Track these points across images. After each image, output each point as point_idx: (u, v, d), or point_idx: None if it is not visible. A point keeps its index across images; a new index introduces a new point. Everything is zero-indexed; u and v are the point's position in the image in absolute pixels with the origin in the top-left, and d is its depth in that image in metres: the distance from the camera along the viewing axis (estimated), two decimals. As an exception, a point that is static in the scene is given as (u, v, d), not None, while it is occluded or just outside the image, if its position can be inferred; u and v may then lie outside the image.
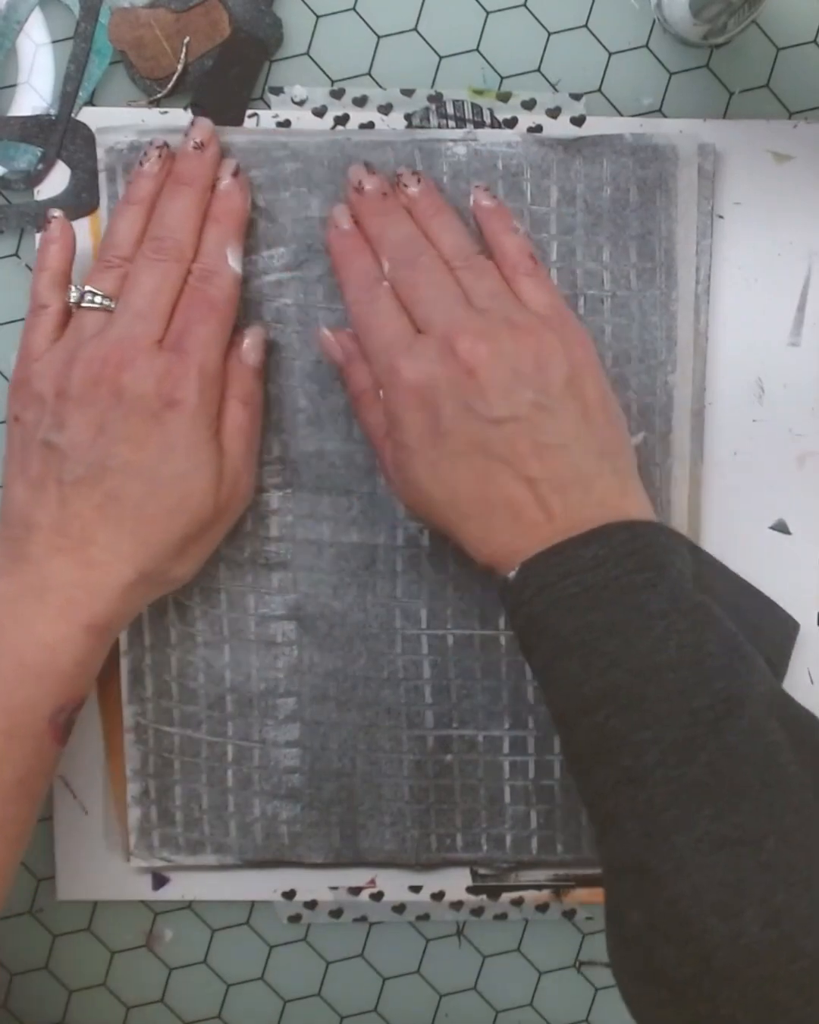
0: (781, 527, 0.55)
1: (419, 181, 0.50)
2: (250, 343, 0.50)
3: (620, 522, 0.44)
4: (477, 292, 0.47)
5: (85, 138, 0.52)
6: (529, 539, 0.44)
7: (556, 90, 0.53)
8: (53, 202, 0.52)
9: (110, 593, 0.46)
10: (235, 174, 0.50)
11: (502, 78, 0.53)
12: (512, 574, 0.44)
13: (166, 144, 0.50)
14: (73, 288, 0.49)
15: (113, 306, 0.48)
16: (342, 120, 0.52)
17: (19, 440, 0.48)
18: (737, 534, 0.54)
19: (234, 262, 0.49)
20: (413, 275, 0.48)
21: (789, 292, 0.54)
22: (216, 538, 0.49)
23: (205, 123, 0.50)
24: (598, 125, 0.53)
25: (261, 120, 0.52)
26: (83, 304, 0.48)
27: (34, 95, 0.53)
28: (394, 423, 0.47)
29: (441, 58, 0.53)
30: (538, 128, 0.53)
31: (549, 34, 0.53)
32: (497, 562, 0.45)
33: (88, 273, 0.50)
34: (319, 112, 0.53)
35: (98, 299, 0.48)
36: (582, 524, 0.43)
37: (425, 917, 0.55)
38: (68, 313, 0.49)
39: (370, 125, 0.52)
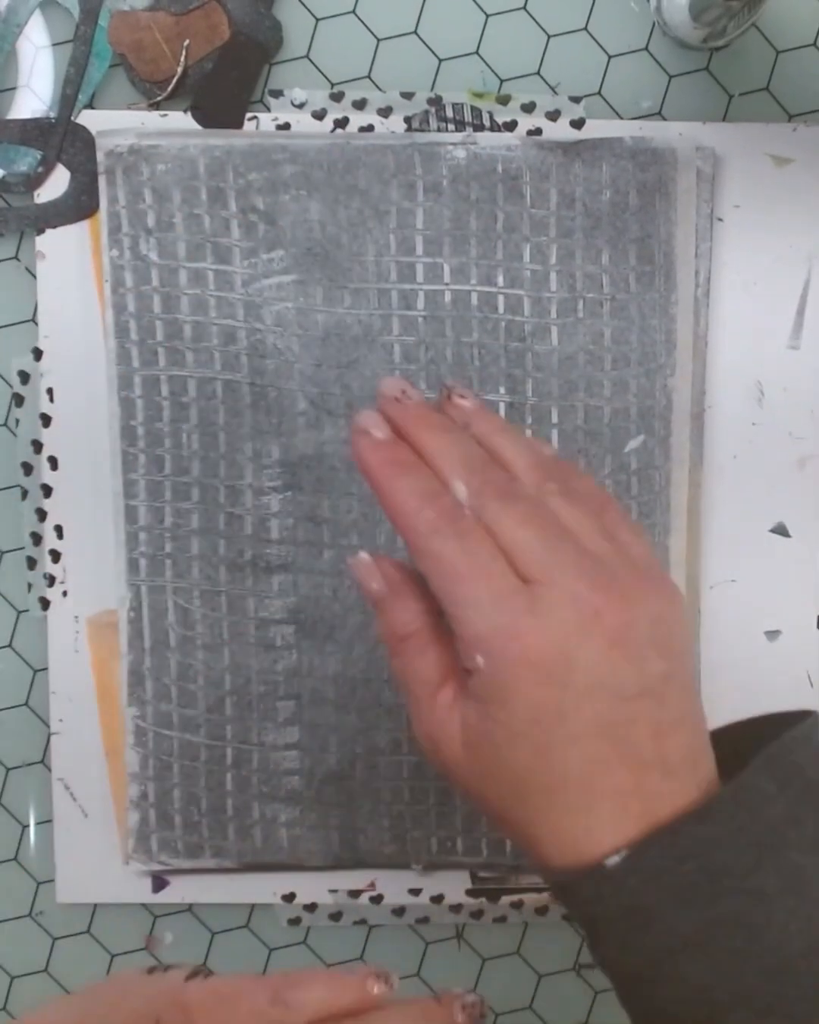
0: (781, 530, 0.55)
1: (465, 397, 0.40)
2: None
3: (730, 790, 0.36)
4: (582, 533, 0.38)
5: (85, 141, 0.52)
6: (620, 830, 0.36)
7: (556, 93, 0.53)
8: (53, 205, 0.52)
9: None
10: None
11: (502, 81, 0.53)
12: (616, 859, 0.36)
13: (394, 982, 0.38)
14: None
15: None
16: (342, 123, 0.52)
17: None
18: (737, 537, 0.54)
19: None
20: (509, 509, 0.37)
21: (789, 295, 0.54)
22: None
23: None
24: (598, 128, 0.53)
25: (261, 123, 0.52)
26: None
27: (34, 98, 0.53)
28: (496, 699, 0.36)
29: (441, 61, 0.53)
30: (538, 131, 0.53)
31: (549, 37, 0.53)
32: (572, 853, 0.37)
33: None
34: (319, 115, 0.53)
35: None
36: (680, 800, 0.37)
37: (425, 920, 0.55)
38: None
39: (370, 128, 0.52)
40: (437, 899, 0.55)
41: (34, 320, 0.53)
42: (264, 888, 0.55)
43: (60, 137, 0.52)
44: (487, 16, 0.53)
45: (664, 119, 0.53)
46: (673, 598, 0.38)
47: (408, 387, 0.39)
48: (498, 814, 0.38)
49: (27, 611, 0.54)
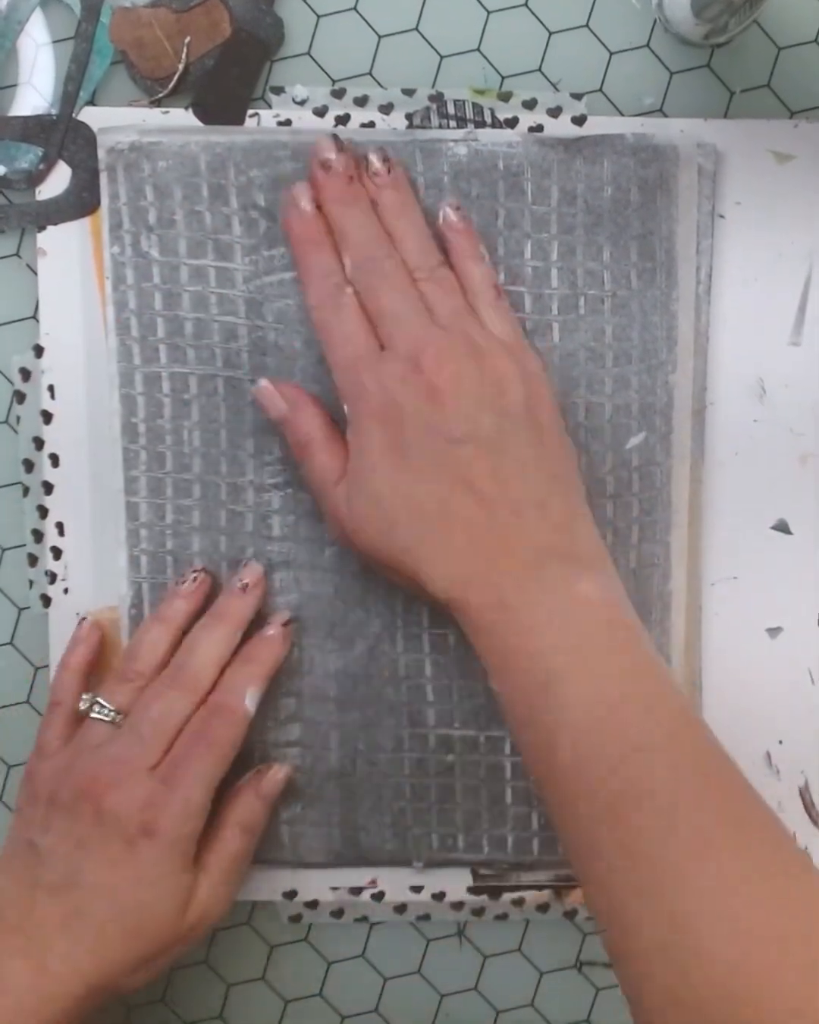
0: (782, 527, 0.55)
1: (389, 169, 0.50)
2: (271, 778, 0.51)
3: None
4: (441, 309, 0.48)
5: (86, 138, 0.52)
6: (486, 563, 0.45)
7: (557, 90, 0.53)
8: (54, 202, 0.52)
9: (60, 1002, 0.45)
10: (287, 624, 0.52)
11: (503, 78, 0.53)
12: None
13: (205, 570, 0.52)
14: (84, 697, 0.50)
15: (119, 720, 0.49)
16: (343, 120, 0.53)
17: (14, 831, 0.49)
18: (738, 534, 0.54)
19: (251, 704, 0.50)
20: (378, 283, 0.48)
21: (790, 292, 0.54)
22: (177, 955, 0.49)
23: (257, 568, 0.52)
24: (599, 125, 0.53)
25: (262, 120, 0.52)
26: (92, 714, 0.49)
27: (35, 95, 0.53)
28: (357, 436, 0.47)
29: (442, 58, 0.53)
30: (539, 128, 0.53)
31: (550, 34, 0.53)
32: (453, 586, 0.45)
33: (106, 680, 0.51)
34: (320, 112, 0.53)
35: (106, 712, 0.49)
36: (535, 547, 0.45)
37: (426, 917, 0.55)
38: (77, 714, 0.51)
39: (371, 125, 0.52)
40: (438, 896, 0.55)
41: (35, 317, 0.53)
42: (265, 885, 0.55)
43: (61, 134, 0.52)
44: (488, 13, 0.53)
45: (666, 116, 0.53)
46: (520, 365, 0.47)
47: (333, 152, 0.49)
48: (386, 556, 0.46)
49: (28, 608, 0.54)
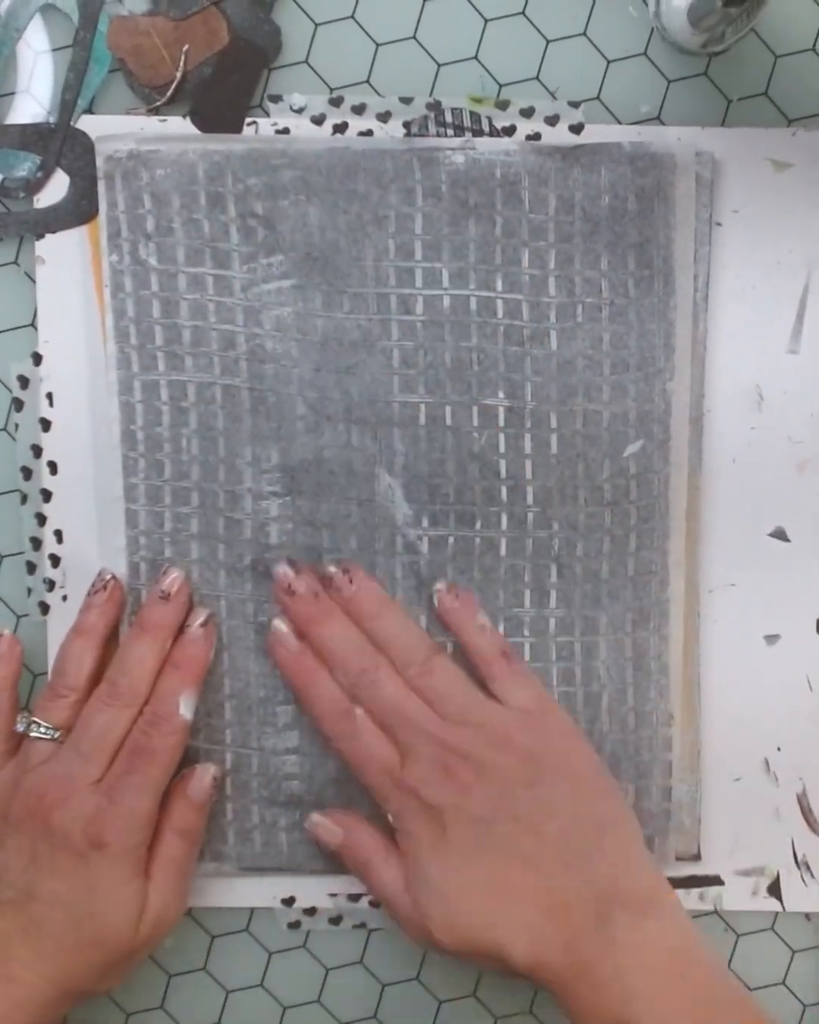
0: (780, 534, 0.55)
1: (350, 578, 0.52)
2: (197, 781, 0.52)
3: None
4: (448, 705, 0.50)
5: (84, 146, 0.52)
6: (555, 925, 0.47)
7: (555, 98, 0.53)
8: (52, 210, 0.52)
9: (32, 1007, 0.47)
10: (205, 623, 0.52)
11: (501, 86, 0.53)
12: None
13: (114, 577, 0.52)
14: (20, 717, 0.51)
15: (59, 736, 0.50)
16: (341, 128, 0.53)
17: None
18: (736, 541, 0.54)
19: (185, 709, 0.50)
20: (376, 695, 0.50)
21: (788, 300, 0.54)
22: (140, 960, 0.51)
23: (177, 575, 0.52)
24: (596, 133, 0.53)
25: (260, 128, 0.52)
26: (32, 733, 0.51)
27: (33, 103, 0.53)
28: (407, 843, 0.49)
29: (440, 66, 0.53)
30: (536, 136, 0.53)
31: (547, 42, 0.53)
32: (532, 954, 0.47)
33: (38, 701, 0.51)
34: (318, 120, 0.53)
35: (45, 730, 0.50)
36: (596, 898, 0.47)
37: (424, 924, 0.55)
38: (14, 733, 0.51)
39: (369, 133, 0.53)
40: (436, 903, 0.55)
41: (34, 325, 0.53)
42: (264, 892, 0.55)
43: (59, 142, 0.52)
44: (486, 21, 0.53)
45: (663, 124, 0.53)
46: (542, 733, 0.50)
47: (292, 577, 0.51)
48: (466, 945, 0.48)
49: (27, 616, 0.54)
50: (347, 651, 0.51)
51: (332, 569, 0.52)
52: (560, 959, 0.46)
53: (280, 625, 0.52)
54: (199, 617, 0.52)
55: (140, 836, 0.49)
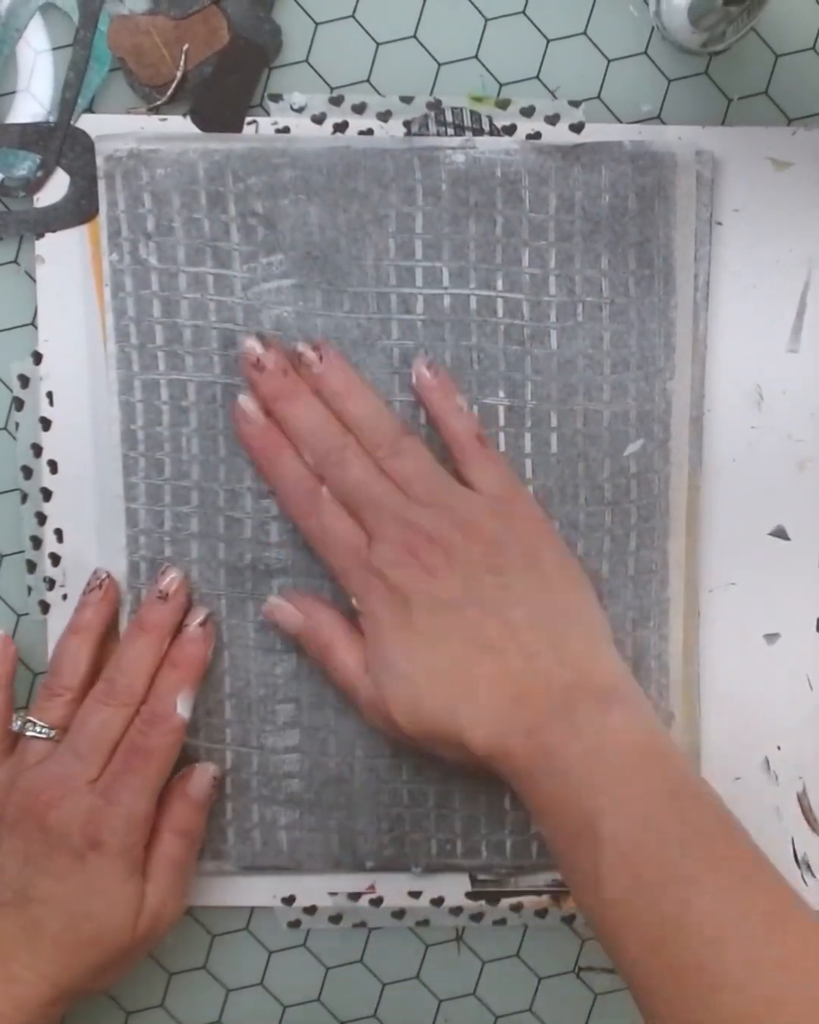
0: (780, 533, 0.55)
1: (320, 356, 0.50)
2: (197, 780, 0.51)
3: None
4: (415, 486, 0.49)
5: (84, 145, 0.52)
6: (516, 713, 0.46)
7: (555, 97, 0.53)
8: (52, 209, 0.52)
9: (31, 1006, 0.47)
10: (204, 623, 0.52)
11: (501, 85, 0.53)
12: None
13: (109, 575, 0.52)
14: (16, 716, 0.51)
15: (55, 735, 0.50)
16: (341, 127, 0.53)
17: None
18: (736, 540, 0.54)
19: (184, 708, 0.50)
20: (343, 475, 0.49)
21: (788, 299, 0.54)
22: (138, 959, 0.51)
23: (176, 575, 0.52)
24: (597, 132, 0.53)
25: (260, 127, 0.52)
26: (28, 733, 0.50)
27: (33, 102, 0.53)
28: (370, 625, 0.49)
29: (440, 65, 0.53)
30: (537, 135, 0.53)
31: (548, 41, 0.53)
32: (491, 740, 0.46)
33: (34, 700, 0.51)
34: (318, 119, 0.53)
35: (42, 729, 0.50)
36: (560, 688, 0.46)
37: (424, 922, 0.55)
38: (10, 732, 0.51)
39: (369, 132, 0.53)
40: (437, 901, 0.55)
41: (34, 324, 0.53)
42: (264, 891, 0.55)
43: (59, 141, 0.52)
44: (486, 20, 0.53)
45: (663, 123, 0.53)
46: (510, 518, 0.49)
47: (261, 351, 0.50)
48: (427, 729, 0.47)
49: (27, 614, 0.54)
50: (314, 429, 0.49)
51: (301, 347, 0.50)
52: (521, 746, 0.45)
53: (246, 401, 0.50)
54: (198, 616, 0.52)
55: (137, 835, 0.49)
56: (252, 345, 0.50)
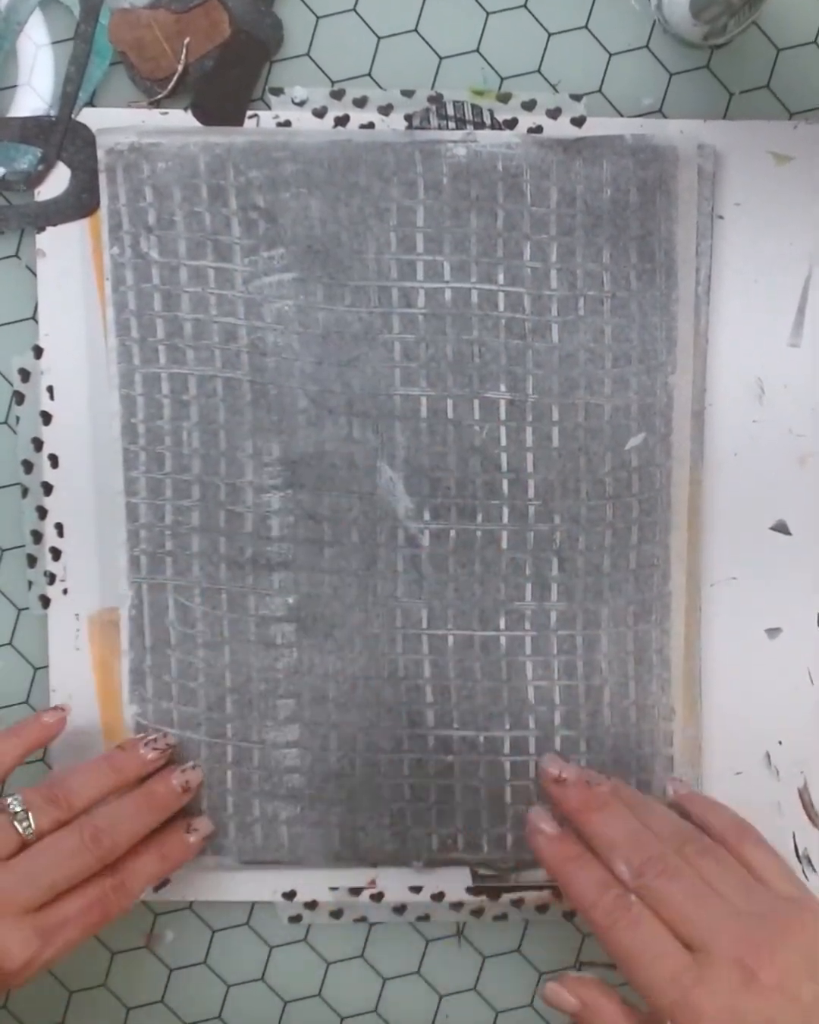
0: (781, 528, 0.55)
1: (603, 780, 0.50)
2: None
3: None
4: (733, 892, 0.46)
5: (85, 139, 0.52)
6: None
7: (556, 91, 0.53)
8: (53, 203, 0.52)
9: None
10: (207, 837, 0.53)
11: (502, 79, 0.53)
12: None
13: (170, 742, 0.53)
14: (12, 800, 0.48)
15: (30, 836, 0.48)
16: (342, 121, 0.52)
17: None
18: (738, 535, 0.54)
19: (147, 893, 0.51)
20: (667, 885, 0.46)
21: (789, 293, 0.54)
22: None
23: (197, 774, 0.53)
24: (598, 126, 0.53)
25: (261, 121, 0.52)
26: (14, 822, 0.48)
27: (34, 96, 0.53)
28: None
29: (441, 59, 0.53)
30: (538, 129, 0.53)
31: (549, 35, 0.53)
32: None
33: (41, 784, 0.50)
34: (319, 113, 0.53)
35: (26, 828, 0.48)
36: None
37: (425, 918, 0.55)
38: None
39: (370, 126, 0.52)
40: (438, 897, 0.55)
41: (34, 318, 0.53)
42: (264, 886, 0.55)
43: (61, 135, 0.52)
44: (488, 14, 0.53)
45: (665, 117, 0.53)
46: (812, 905, 0.47)
47: (561, 765, 0.51)
48: None
49: (27, 609, 0.54)
50: (630, 837, 0.48)
51: (585, 777, 0.51)
52: None
53: (539, 812, 0.51)
54: (204, 829, 0.53)
55: (50, 964, 0.48)
56: (550, 759, 0.51)
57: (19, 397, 0.54)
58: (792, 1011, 0.44)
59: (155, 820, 0.51)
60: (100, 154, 0.52)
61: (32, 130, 0.52)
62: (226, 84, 0.52)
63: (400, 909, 0.55)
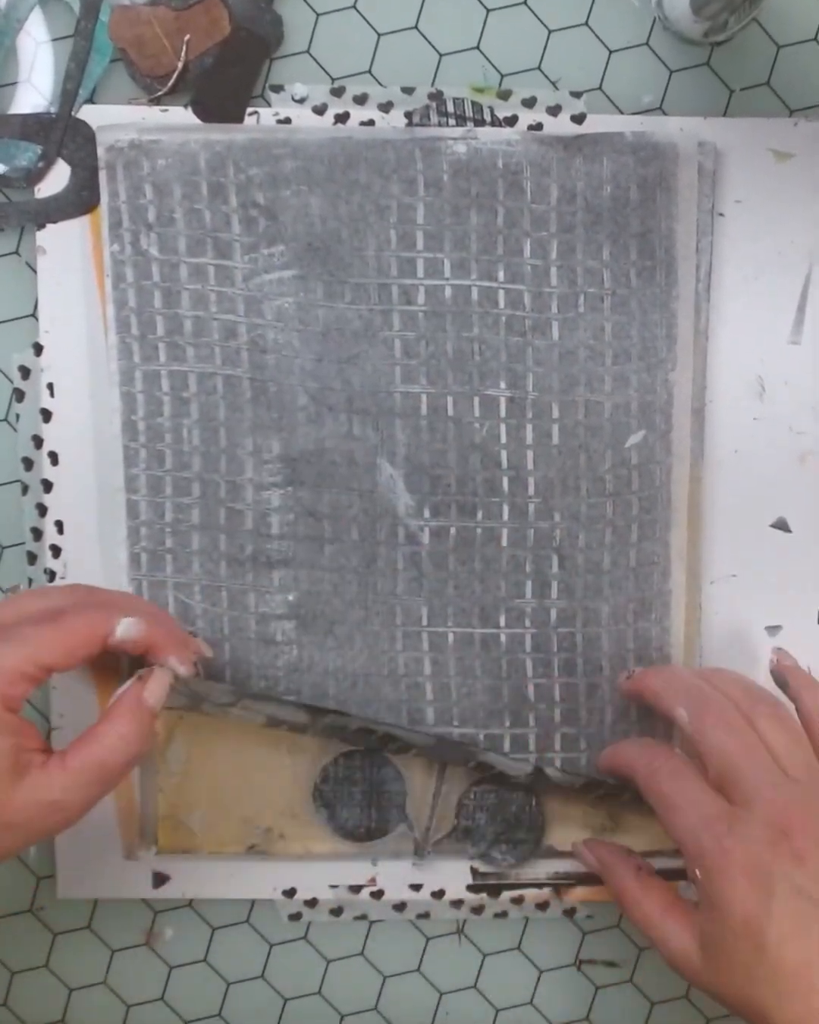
0: (782, 525, 0.55)
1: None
2: (154, 685, 0.46)
3: None
4: (791, 759, 0.46)
5: (86, 136, 0.52)
6: None
7: (556, 88, 0.53)
8: (53, 200, 0.52)
9: None
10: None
11: (502, 76, 0.53)
12: None
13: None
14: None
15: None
16: (342, 118, 0.52)
17: None
18: (738, 532, 0.54)
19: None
20: (724, 737, 0.46)
21: (790, 290, 0.54)
22: (10, 844, 0.44)
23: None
24: (598, 123, 0.53)
25: (261, 118, 0.52)
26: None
27: (34, 93, 0.53)
28: (716, 905, 0.44)
29: (441, 56, 0.53)
30: (538, 126, 0.53)
31: (549, 32, 0.53)
32: None
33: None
34: (319, 110, 0.53)
35: None
36: None
37: (425, 915, 0.55)
38: None
39: (370, 123, 0.52)
40: (438, 894, 0.55)
41: (35, 315, 0.53)
42: (264, 883, 0.55)
43: (61, 132, 0.52)
44: (488, 11, 0.53)
45: (665, 114, 0.53)
46: None
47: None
48: (735, 1004, 0.44)
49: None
50: (689, 688, 0.48)
51: None
52: None
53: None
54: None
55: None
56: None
57: (19, 394, 0.54)
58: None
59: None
60: (100, 151, 0.51)
61: (32, 127, 0.52)
62: (226, 81, 0.52)
63: (400, 907, 0.55)
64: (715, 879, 0.44)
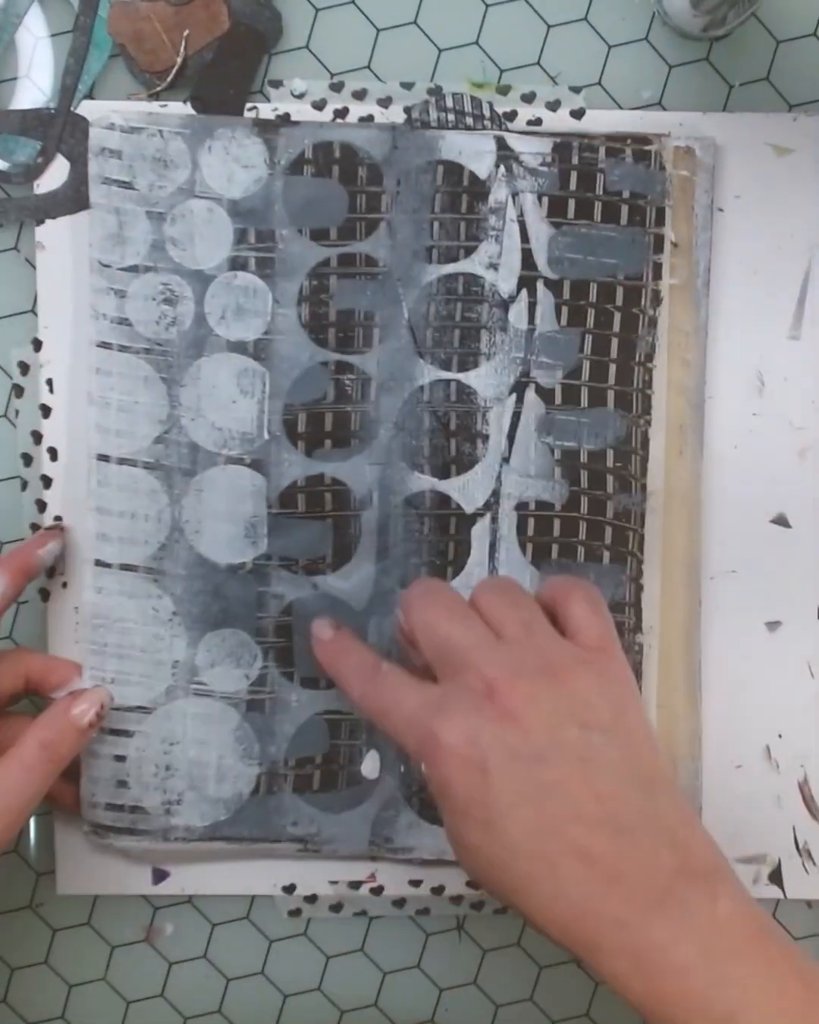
0: (781, 520, 0.54)
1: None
2: (83, 705, 0.48)
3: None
4: (508, 624, 0.43)
5: (84, 132, 0.52)
6: (605, 898, 0.39)
7: (556, 83, 0.53)
8: (53, 195, 0.52)
9: None
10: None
11: (502, 71, 0.53)
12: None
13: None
14: None
15: None
16: (341, 113, 0.52)
17: None
18: (737, 527, 0.54)
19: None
20: (428, 613, 0.43)
21: (789, 285, 0.54)
22: None
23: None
24: (598, 118, 0.53)
25: (260, 113, 0.52)
26: None
27: (33, 88, 0.53)
28: (443, 794, 0.41)
29: (441, 51, 0.53)
30: (538, 121, 0.53)
31: (549, 27, 0.53)
32: (573, 929, 0.40)
33: None
34: (318, 105, 0.52)
35: None
36: (659, 870, 0.40)
37: (425, 911, 0.55)
38: None
39: (370, 118, 0.52)
40: (438, 890, 0.55)
41: (34, 311, 0.53)
42: (264, 879, 0.55)
43: (60, 128, 0.52)
44: (487, 6, 0.53)
45: (664, 109, 0.53)
46: (603, 674, 0.42)
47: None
48: (497, 896, 0.41)
49: (26, 602, 0.54)
50: (409, 589, 0.46)
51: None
52: (614, 941, 0.39)
53: (318, 625, 0.50)
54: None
55: None
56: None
57: (18, 390, 0.54)
58: (537, 743, 0.40)
59: None
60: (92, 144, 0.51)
61: (31, 123, 0.52)
62: (225, 76, 0.52)
63: (400, 903, 0.55)
64: (433, 768, 0.41)
